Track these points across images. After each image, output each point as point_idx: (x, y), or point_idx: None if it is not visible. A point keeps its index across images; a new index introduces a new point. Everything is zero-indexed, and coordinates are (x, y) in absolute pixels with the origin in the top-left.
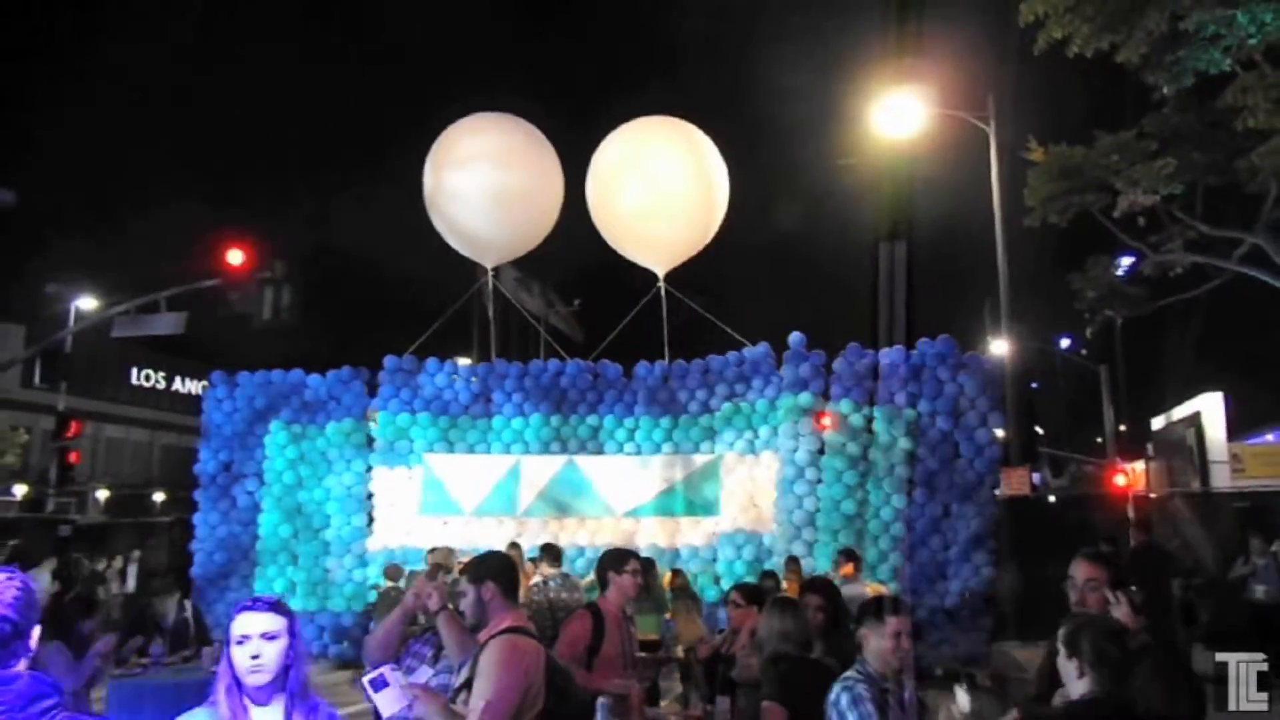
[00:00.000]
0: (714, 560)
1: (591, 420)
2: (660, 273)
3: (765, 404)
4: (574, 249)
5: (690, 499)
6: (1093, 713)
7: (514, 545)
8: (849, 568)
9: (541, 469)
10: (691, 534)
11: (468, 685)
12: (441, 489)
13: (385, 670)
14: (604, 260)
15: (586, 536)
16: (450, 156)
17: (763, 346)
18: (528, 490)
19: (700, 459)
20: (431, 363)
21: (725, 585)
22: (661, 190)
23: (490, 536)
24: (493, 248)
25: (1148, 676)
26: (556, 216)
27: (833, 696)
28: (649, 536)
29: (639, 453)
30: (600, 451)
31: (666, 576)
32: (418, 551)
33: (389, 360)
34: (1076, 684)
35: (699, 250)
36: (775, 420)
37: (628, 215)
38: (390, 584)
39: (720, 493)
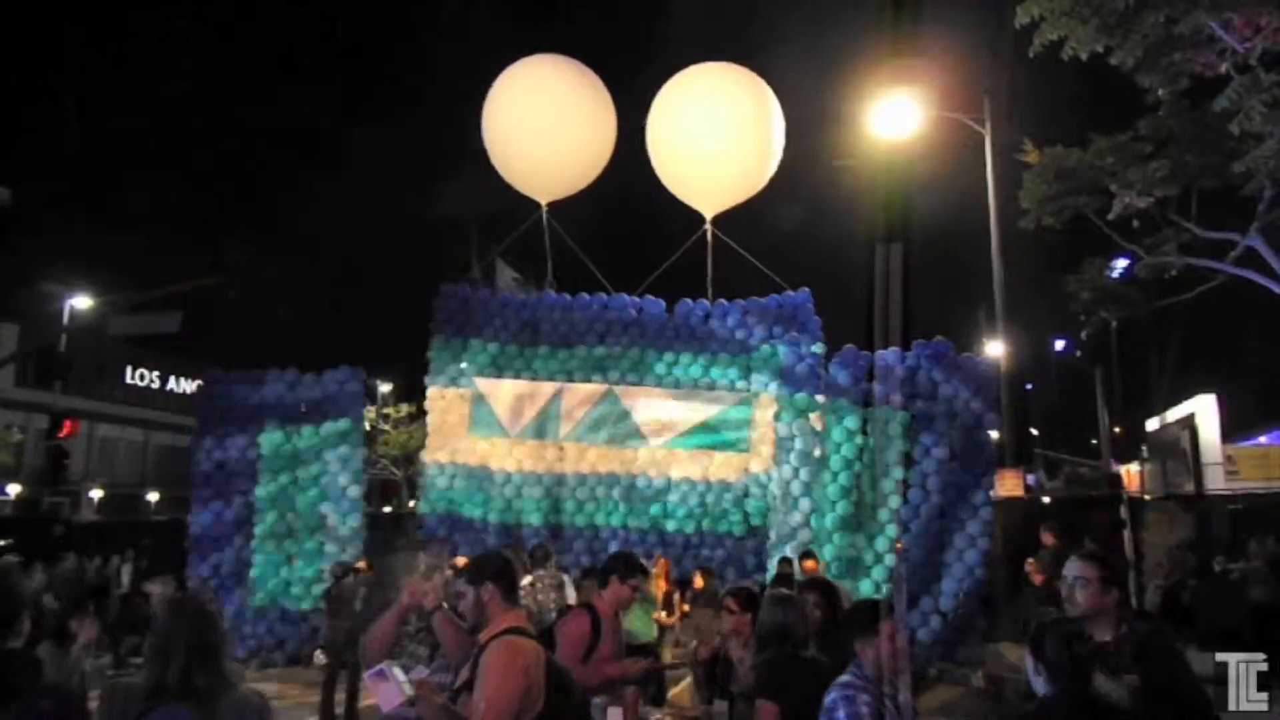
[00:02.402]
0: (745, 495)
1: (633, 353)
2: (708, 215)
3: (802, 347)
4: (616, 198)
5: (724, 435)
6: (1048, 713)
7: (511, 545)
8: (811, 563)
9: (584, 397)
10: (724, 469)
11: (468, 687)
12: (489, 411)
13: (385, 665)
14: (645, 208)
15: (623, 465)
16: (509, 93)
17: (803, 292)
18: (569, 417)
19: (736, 396)
20: (484, 292)
21: (755, 522)
22: (719, 130)
23: (533, 459)
24: (548, 183)
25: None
26: (610, 153)
27: (828, 701)
28: (682, 469)
29: (677, 387)
30: (640, 384)
31: (693, 579)
32: (468, 469)
33: (445, 287)
34: (1036, 680)
35: (749, 196)
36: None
37: (683, 154)
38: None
39: (753, 431)
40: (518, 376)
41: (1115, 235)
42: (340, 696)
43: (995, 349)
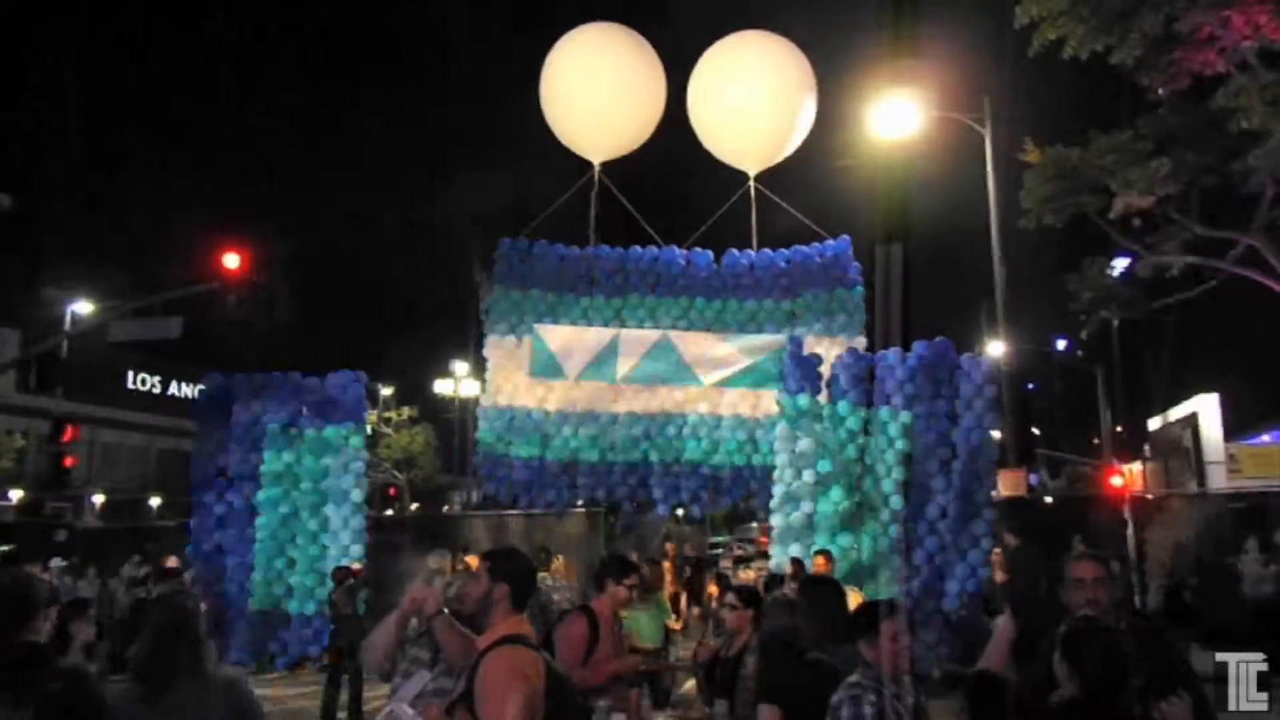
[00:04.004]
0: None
1: (683, 301)
2: (751, 173)
3: (844, 291)
4: (655, 162)
5: (771, 374)
6: (1067, 716)
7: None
8: (822, 560)
9: (638, 341)
10: (771, 405)
11: (464, 699)
12: (549, 355)
13: (395, 706)
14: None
15: (676, 405)
16: (566, 58)
17: (844, 240)
18: (626, 360)
19: (783, 339)
20: (540, 244)
21: None
22: (760, 91)
23: (590, 400)
24: (602, 143)
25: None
26: (660, 115)
27: (834, 700)
28: (732, 406)
29: (725, 331)
30: (690, 329)
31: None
32: (526, 412)
33: (504, 242)
34: (1066, 685)
35: (789, 153)
36: (851, 308)
37: (727, 115)
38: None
39: None
40: (574, 324)
41: (1116, 234)
42: (343, 699)
43: (996, 349)
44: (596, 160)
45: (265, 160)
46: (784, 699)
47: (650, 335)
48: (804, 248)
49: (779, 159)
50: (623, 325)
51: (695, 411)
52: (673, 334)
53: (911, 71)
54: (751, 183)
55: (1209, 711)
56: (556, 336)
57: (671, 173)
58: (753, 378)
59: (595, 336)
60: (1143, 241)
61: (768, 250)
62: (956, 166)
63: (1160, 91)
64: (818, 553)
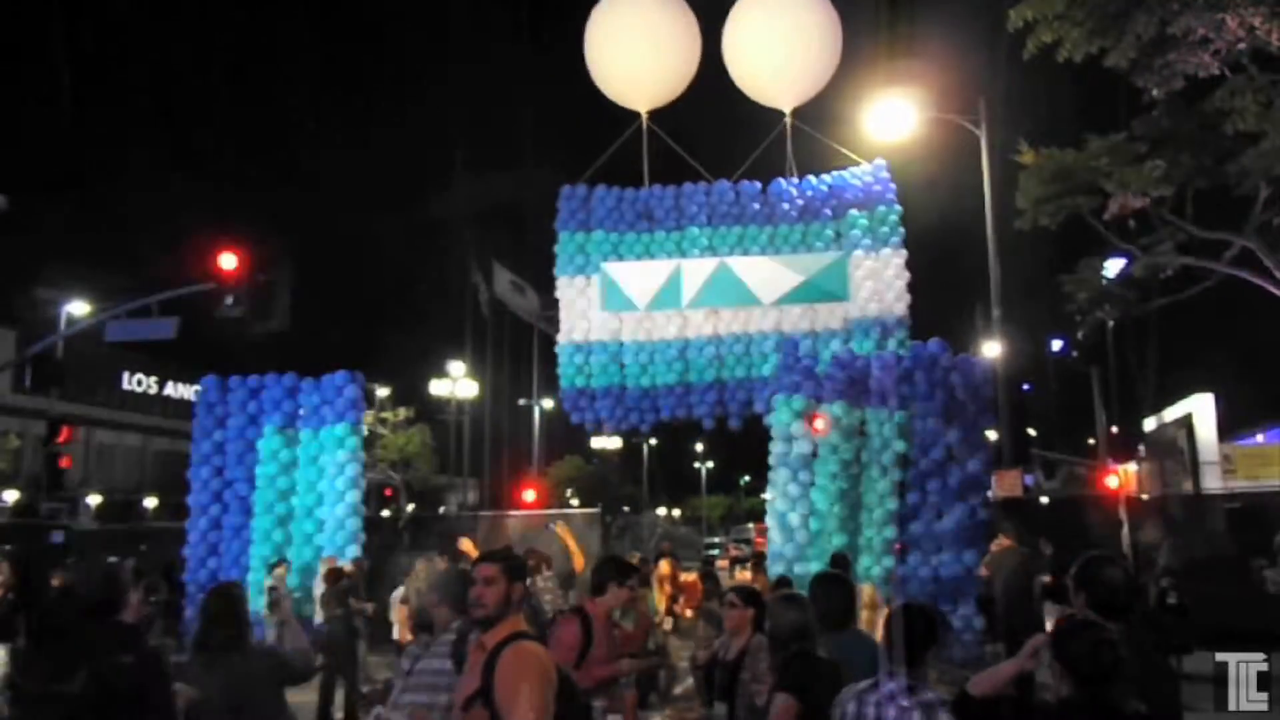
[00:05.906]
0: (848, 340)
1: (737, 230)
2: (787, 109)
3: (884, 209)
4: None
5: (825, 288)
6: (1061, 715)
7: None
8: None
9: (700, 269)
10: (829, 319)
11: (481, 695)
12: (618, 289)
13: (380, 711)
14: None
15: (741, 325)
16: (608, 17)
17: (880, 163)
18: (690, 287)
19: (832, 256)
20: (599, 188)
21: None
22: (791, 31)
23: (660, 329)
24: (647, 90)
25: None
26: (697, 64)
27: (891, 714)
28: (792, 322)
29: (778, 254)
30: (747, 254)
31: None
32: (601, 345)
33: (565, 189)
34: (1060, 686)
35: (821, 88)
36: (892, 224)
37: (760, 53)
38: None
39: (850, 283)
40: (638, 259)
41: (1111, 235)
42: (339, 698)
43: (992, 349)
44: (643, 109)
45: (262, 160)
46: (803, 691)
47: (710, 263)
48: (842, 172)
49: (811, 94)
50: (683, 257)
51: (759, 330)
52: (730, 260)
53: (907, 73)
54: (788, 119)
55: (1175, 713)
56: (623, 271)
57: (707, 119)
58: (808, 293)
59: (659, 268)
60: (1137, 242)
61: (810, 177)
62: (952, 168)
63: (1155, 93)
64: (835, 558)
